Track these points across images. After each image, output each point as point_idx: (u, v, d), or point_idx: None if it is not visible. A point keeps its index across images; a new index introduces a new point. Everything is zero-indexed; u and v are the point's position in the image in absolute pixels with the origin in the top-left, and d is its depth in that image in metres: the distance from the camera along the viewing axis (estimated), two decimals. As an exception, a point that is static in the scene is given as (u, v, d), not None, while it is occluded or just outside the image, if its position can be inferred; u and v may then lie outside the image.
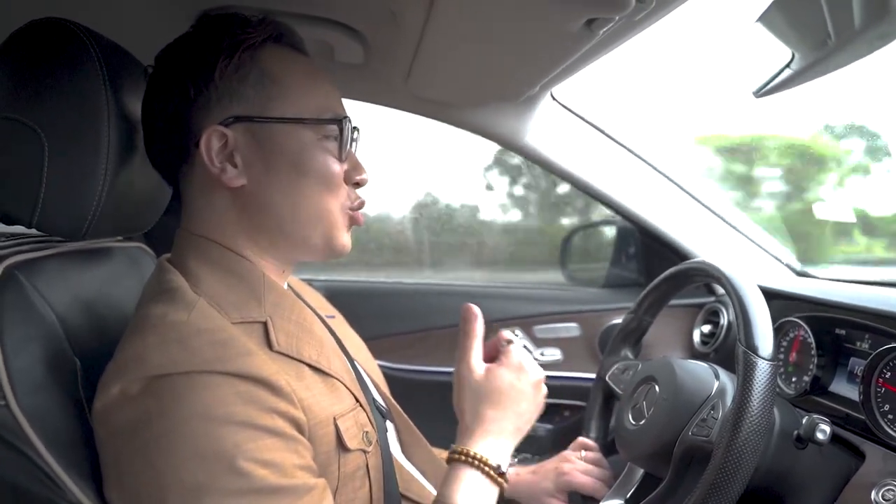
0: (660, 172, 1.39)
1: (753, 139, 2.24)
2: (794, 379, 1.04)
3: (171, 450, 0.59)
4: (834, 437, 0.83)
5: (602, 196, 1.38)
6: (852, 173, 2.20)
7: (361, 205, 0.79)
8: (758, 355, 0.76)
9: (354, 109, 0.79)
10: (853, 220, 1.82)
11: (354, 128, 0.79)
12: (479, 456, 0.73)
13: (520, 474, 1.01)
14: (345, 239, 0.77)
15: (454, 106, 1.28)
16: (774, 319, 0.86)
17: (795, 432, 0.82)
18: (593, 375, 1.11)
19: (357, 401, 0.75)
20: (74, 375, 0.69)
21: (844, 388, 0.96)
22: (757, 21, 0.76)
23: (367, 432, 0.74)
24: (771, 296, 1.06)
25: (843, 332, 0.98)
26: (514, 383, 0.78)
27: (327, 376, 0.72)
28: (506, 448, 0.77)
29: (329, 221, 0.75)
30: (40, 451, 0.63)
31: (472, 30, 0.86)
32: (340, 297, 1.26)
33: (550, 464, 1.01)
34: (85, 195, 0.72)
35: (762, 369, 0.76)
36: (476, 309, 0.81)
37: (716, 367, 0.89)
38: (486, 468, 0.73)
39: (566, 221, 2.92)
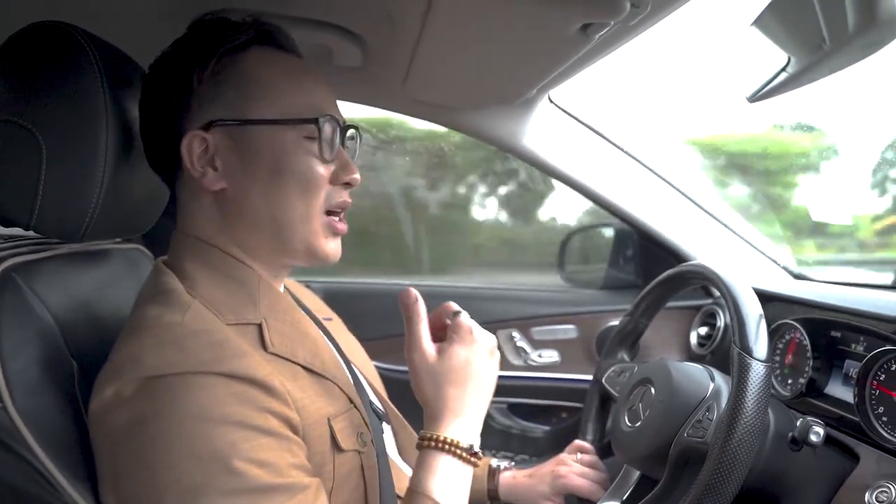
0: (657, 175, 1.39)
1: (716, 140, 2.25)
2: (789, 381, 1.04)
3: (167, 451, 0.59)
4: (828, 439, 0.84)
5: (599, 198, 1.39)
6: (804, 172, 2.21)
7: (343, 206, 0.76)
8: (752, 357, 0.77)
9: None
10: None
11: (349, 126, 0.77)
12: (449, 440, 0.72)
13: (516, 477, 1.01)
14: (328, 246, 0.75)
15: (452, 109, 1.29)
16: (770, 322, 0.86)
17: (790, 434, 0.82)
18: (591, 377, 1.11)
19: (351, 402, 0.75)
20: (72, 377, 0.70)
21: (839, 390, 0.96)
22: (752, 25, 0.76)
23: (361, 433, 0.74)
24: (767, 298, 1.06)
25: (838, 334, 0.98)
26: (470, 357, 0.75)
27: (321, 378, 0.73)
28: (475, 425, 0.75)
29: (309, 226, 0.73)
30: (37, 453, 0.63)
31: (469, 33, 0.86)
32: (339, 299, 1.27)
33: (547, 466, 1.01)
34: (82, 197, 0.73)
35: (756, 371, 0.76)
36: (414, 291, 0.78)
37: (711, 368, 0.90)
38: (459, 451, 0.72)
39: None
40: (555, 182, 1.39)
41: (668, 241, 1.41)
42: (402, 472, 0.84)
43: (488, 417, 1.51)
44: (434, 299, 1.61)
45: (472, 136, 1.36)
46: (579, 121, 1.35)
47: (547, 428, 1.52)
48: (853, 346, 0.95)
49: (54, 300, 0.72)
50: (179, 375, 0.61)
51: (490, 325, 1.53)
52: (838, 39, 0.60)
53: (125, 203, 0.80)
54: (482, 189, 3.06)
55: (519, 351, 1.54)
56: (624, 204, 1.39)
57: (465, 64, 1.01)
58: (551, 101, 1.31)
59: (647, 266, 1.51)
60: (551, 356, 1.53)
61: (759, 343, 0.78)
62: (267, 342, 0.69)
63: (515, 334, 1.54)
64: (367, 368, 0.95)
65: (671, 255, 1.41)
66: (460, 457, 0.72)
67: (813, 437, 0.80)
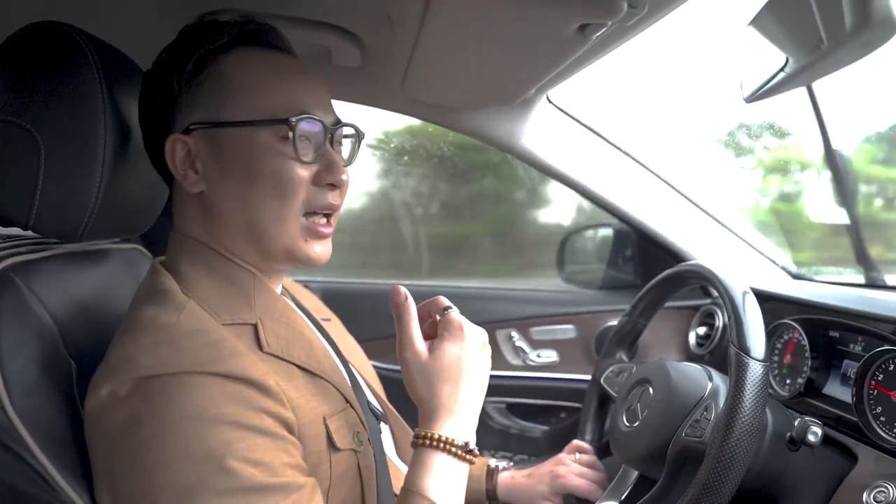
0: (656, 175, 1.39)
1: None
2: (788, 381, 1.04)
3: (162, 451, 0.59)
4: (826, 439, 0.84)
5: (598, 199, 1.39)
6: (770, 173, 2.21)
7: (328, 208, 0.74)
8: (750, 357, 0.77)
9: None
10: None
11: (342, 125, 0.76)
12: (444, 437, 0.71)
13: (515, 478, 1.01)
14: (311, 249, 0.73)
15: (450, 109, 1.29)
16: (769, 322, 0.86)
17: (788, 434, 0.82)
18: (589, 377, 1.11)
19: (347, 402, 0.75)
20: (70, 377, 0.70)
21: (838, 390, 0.97)
22: (749, 25, 0.76)
23: (357, 432, 0.74)
24: (765, 298, 1.06)
25: (836, 334, 0.98)
26: (462, 353, 0.74)
27: (317, 377, 0.73)
28: (470, 422, 0.74)
29: (286, 229, 0.72)
30: (35, 453, 0.63)
31: (467, 33, 0.86)
32: (337, 299, 1.27)
33: (545, 467, 1.01)
34: (81, 197, 0.73)
35: (754, 370, 0.76)
36: (404, 290, 0.77)
37: (709, 368, 0.90)
38: (454, 448, 0.71)
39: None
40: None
41: (667, 241, 1.41)
42: (401, 471, 0.84)
43: (487, 417, 1.52)
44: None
45: (471, 137, 1.36)
46: (578, 121, 1.35)
47: (545, 428, 1.52)
48: (851, 346, 0.95)
49: (53, 300, 0.72)
50: (174, 375, 0.61)
51: (489, 325, 1.54)
52: (836, 39, 0.60)
53: (124, 203, 0.80)
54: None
55: (518, 351, 1.54)
56: (622, 204, 1.39)
57: (463, 64, 1.01)
58: (550, 102, 1.31)
59: (645, 266, 1.52)
60: (550, 356, 1.53)
61: (758, 343, 0.78)
62: (262, 342, 0.69)
63: (514, 334, 1.54)
64: (366, 368, 0.95)
65: (670, 255, 1.41)
66: (455, 454, 0.71)
67: (811, 437, 0.80)
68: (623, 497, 0.93)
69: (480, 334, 0.77)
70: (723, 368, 0.88)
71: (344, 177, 0.74)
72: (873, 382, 0.86)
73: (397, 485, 0.79)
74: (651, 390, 0.90)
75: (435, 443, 0.71)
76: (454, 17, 0.81)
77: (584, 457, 1.02)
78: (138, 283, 0.76)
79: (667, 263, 1.15)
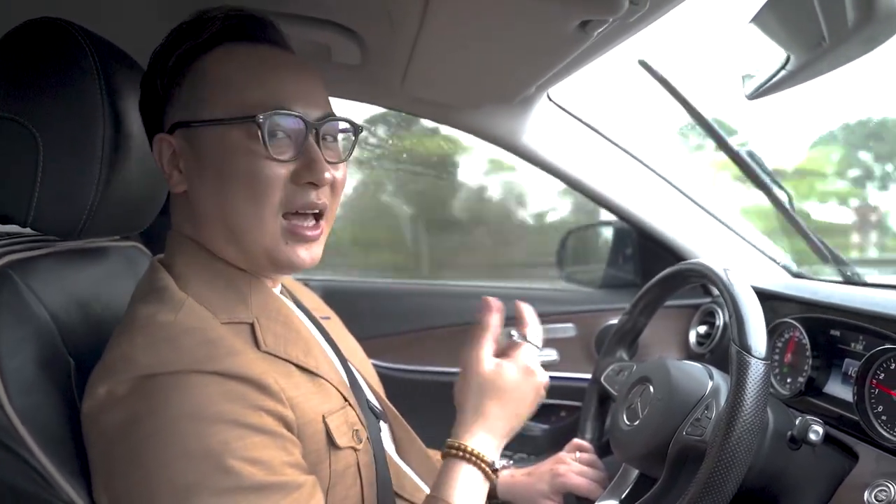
0: (656, 173, 1.39)
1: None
2: (788, 380, 1.04)
3: (161, 450, 0.59)
4: (827, 438, 0.84)
5: (599, 197, 1.38)
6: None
7: (309, 207, 0.70)
8: (751, 355, 0.77)
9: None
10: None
11: (326, 120, 0.72)
12: (476, 452, 0.73)
13: (515, 476, 1.01)
14: (294, 252, 0.71)
15: (451, 107, 1.29)
16: (769, 320, 0.86)
17: (789, 433, 0.82)
18: (589, 376, 1.11)
19: (346, 400, 0.75)
20: (68, 375, 0.70)
21: (839, 389, 0.96)
22: (750, 22, 0.76)
23: (356, 430, 0.74)
24: (766, 297, 1.06)
25: (837, 333, 0.98)
26: (520, 384, 0.78)
27: (315, 376, 0.72)
28: (499, 446, 0.77)
29: (263, 231, 0.69)
30: (34, 451, 0.63)
31: (467, 31, 0.86)
32: (337, 297, 1.26)
33: (545, 465, 1.01)
34: (80, 194, 0.72)
35: (755, 369, 0.76)
36: (496, 302, 0.80)
37: (710, 367, 0.90)
38: (483, 465, 0.73)
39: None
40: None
41: (667, 240, 1.40)
42: (401, 469, 0.84)
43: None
44: (433, 297, 1.63)
45: (472, 135, 1.36)
46: (578, 119, 1.35)
47: (545, 427, 1.52)
48: (852, 344, 0.95)
49: (51, 298, 0.72)
50: (173, 374, 0.61)
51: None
52: (838, 35, 0.60)
53: (123, 200, 0.79)
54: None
55: (518, 350, 1.53)
56: (623, 202, 1.38)
57: (463, 61, 1.01)
58: (550, 100, 1.31)
59: (645, 264, 1.51)
60: (550, 355, 1.52)
61: (759, 340, 0.78)
62: (260, 341, 0.69)
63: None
64: (365, 367, 0.95)
65: (670, 254, 1.40)
66: (483, 470, 0.74)
67: (812, 436, 0.80)
68: (623, 496, 0.93)
69: (543, 377, 0.80)
70: (723, 368, 0.88)
71: (327, 175, 0.70)
72: (874, 381, 0.86)
73: (397, 483, 0.79)
74: (651, 389, 0.89)
75: (466, 455, 0.73)
76: (454, 15, 0.81)
77: (585, 455, 1.02)
78: (137, 281, 0.76)
79: (667, 262, 1.15)
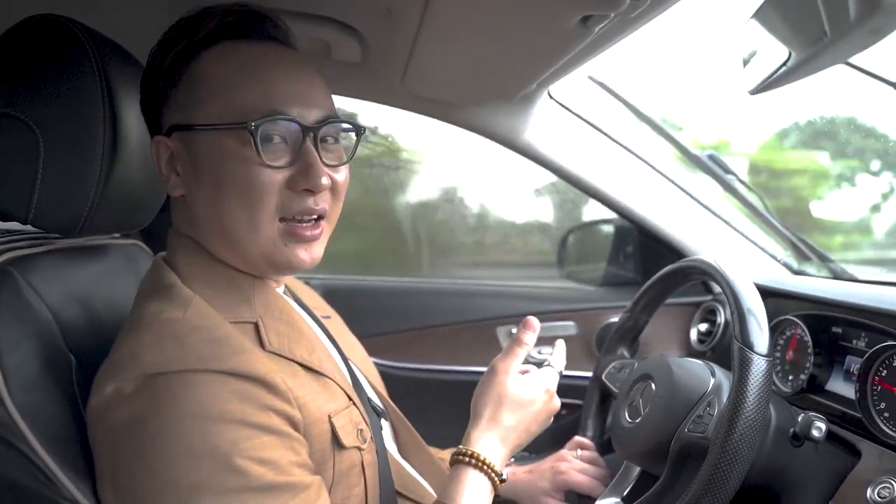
0: (657, 171, 1.39)
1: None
2: (790, 377, 1.04)
3: (167, 449, 0.59)
4: (830, 435, 0.84)
5: (600, 194, 1.38)
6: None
7: (306, 213, 0.69)
8: (753, 352, 0.76)
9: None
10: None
11: (326, 122, 0.69)
12: (486, 460, 0.74)
13: (516, 474, 1.01)
14: (293, 254, 0.69)
15: (451, 104, 1.28)
16: (771, 317, 0.86)
17: (791, 430, 0.82)
18: (590, 374, 1.11)
19: (350, 399, 0.75)
20: (69, 372, 0.69)
21: (841, 386, 0.96)
22: (752, 18, 0.76)
23: (361, 430, 0.74)
24: (767, 294, 1.06)
25: (839, 330, 0.98)
26: (538, 402, 0.81)
27: (319, 375, 0.72)
28: (506, 456, 0.78)
29: (259, 235, 0.68)
30: (35, 447, 0.63)
31: (467, 28, 0.86)
32: (338, 296, 1.26)
33: (547, 463, 1.01)
34: (80, 192, 0.72)
35: (758, 365, 0.76)
36: (537, 322, 0.85)
37: (712, 364, 0.90)
38: (493, 473, 0.75)
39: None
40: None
41: (668, 237, 1.40)
42: (403, 468, 0.84)
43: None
44: (433, 296, 1.63)
45: (472, 132, 1.35)
46: (579, 116, 1.34)
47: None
48: (854, 341, 0.95)
49: (52, 295, 0.72)
50: (179, 373, 0.60)
51: (489, 321, 1.54)
52: (839, 28, 0.59)
53: (123, 198, 0.79)
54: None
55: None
56: (624, 200, 1.38)
57: (464, 59, 1.01)
58: (551, 97, 1.31)
59: (646, 262, 1.51)
60: (551, 353, 1.52)
61: (761, 337, 0.77)
62: (264, 340, 0.69)
63: (515, 331, 1.54)
64: (366, 366, 0.95)
65: (671, 251, 1.40)
66: (492, 479, 0.74)
67: (815, 433, 0.80)
68: (625, 493, 0.93)
69: (557, 403, 0.86)
70: (724, 365, 0.88)
71: (324, 180, 0.67)
72: (877, 378, 0.86)
73: (399, 482, 0.79)
74: (653, 386, 0.89)
75: (476, 462, 0.74)
76: (455, 11, 0.80)
77: (586, 453, 1.02)
78: (138, 279, 0.75)
79: (668, 259, 1.14)
